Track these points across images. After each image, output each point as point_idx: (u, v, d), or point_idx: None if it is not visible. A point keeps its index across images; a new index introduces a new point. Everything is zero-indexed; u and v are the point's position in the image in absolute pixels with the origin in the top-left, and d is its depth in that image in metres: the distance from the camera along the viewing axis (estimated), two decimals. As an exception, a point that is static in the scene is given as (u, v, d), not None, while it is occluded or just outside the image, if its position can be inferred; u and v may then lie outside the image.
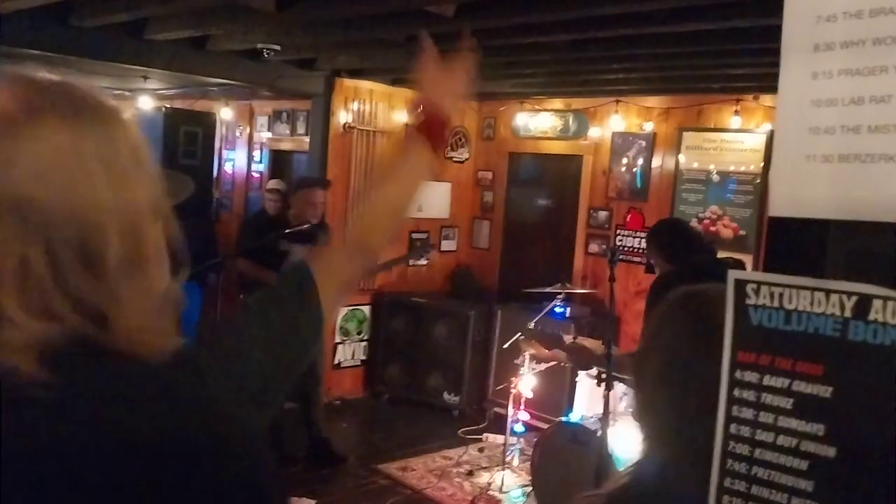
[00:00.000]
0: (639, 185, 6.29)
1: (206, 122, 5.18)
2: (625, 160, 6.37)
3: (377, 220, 1.21)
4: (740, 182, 5.74)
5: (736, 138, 5.76)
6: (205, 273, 6.57)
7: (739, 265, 4.65)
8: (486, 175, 7.26)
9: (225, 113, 7.28)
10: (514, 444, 5.21)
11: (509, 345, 5.32)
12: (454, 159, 7.20)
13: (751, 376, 0.79)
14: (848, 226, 0.74)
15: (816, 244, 0.81)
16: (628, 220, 6.33)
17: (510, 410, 5.10)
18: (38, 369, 0.65)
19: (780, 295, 0.76)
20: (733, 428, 0.80)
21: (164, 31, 4.76)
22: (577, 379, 5.08)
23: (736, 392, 0.79)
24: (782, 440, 0.76)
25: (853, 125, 0.74)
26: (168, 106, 5.74)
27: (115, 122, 0.76)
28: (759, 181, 5.63)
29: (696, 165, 5.97)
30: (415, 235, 6.91)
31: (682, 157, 6.04)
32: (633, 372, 1.15)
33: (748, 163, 5.70)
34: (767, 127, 5.59)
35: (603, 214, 6.48)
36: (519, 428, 5.25)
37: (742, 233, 5.70)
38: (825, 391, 0.74)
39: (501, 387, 5.66)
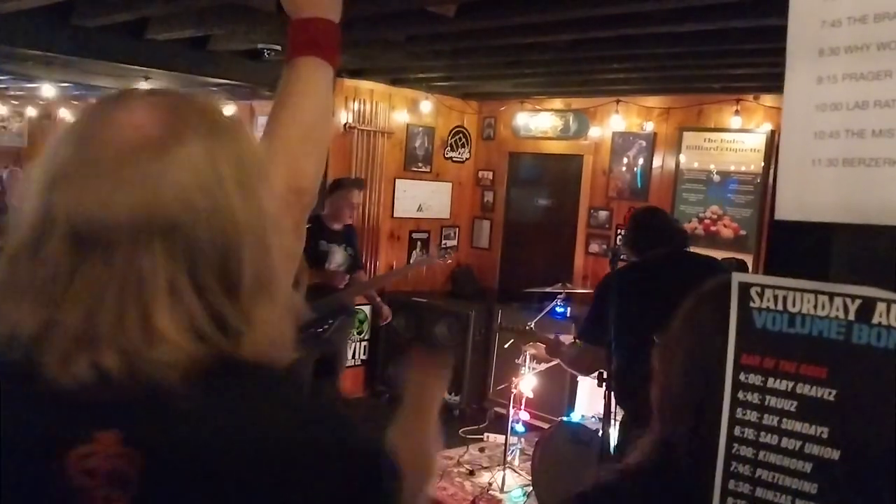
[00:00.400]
0: (639, 185, 6.29)
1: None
2: (625, 160, 6.38)
3: (296, 149, 1.04)
4: (741, 182, 5.75)
5: (736, 138, 5.76)
6: None
7: (742, 266, 4.65)
8: (486, 175, 7.26)
9: (227, 112, 7.28)
10: (514, 444, 5.21)
11: (508, 344, 5.33)
12: (454, 159, 7.20)
13: (755, 379, 0.79)
14: (852, 229, 0.74)
15: (819, 246, 0.82)
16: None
17: (511, 410, 5.10)
18: (185, 384, 0.68)
19: (784, 298, 0.77)
20: (737, 430, 0.80)
21: (165, 31, 4.76)
22: (577, 379, 5.08)
23: (740, 394, 0.80)
24: (786, 442, 0.77)
25: (857, 129, 0.74)
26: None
27: (241, 137, 0.76)
28: (759, 181, 5.63)
29: (696, 165, 5.98)
30: (415, 235, 6.92)
31: (682, 157, 6.04)
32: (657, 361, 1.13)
33: (748, 163, 5.70)
34: (768, 127, 5.60)
35: (603, 214, 6.49)
36: (519, 428, 5.26)
37: (743, 233, 5.70)
38: (829, 394, 0.75)
39: (502, 387, 5.67)
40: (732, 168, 5.78)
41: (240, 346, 0.72)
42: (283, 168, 1.00)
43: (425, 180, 6.96)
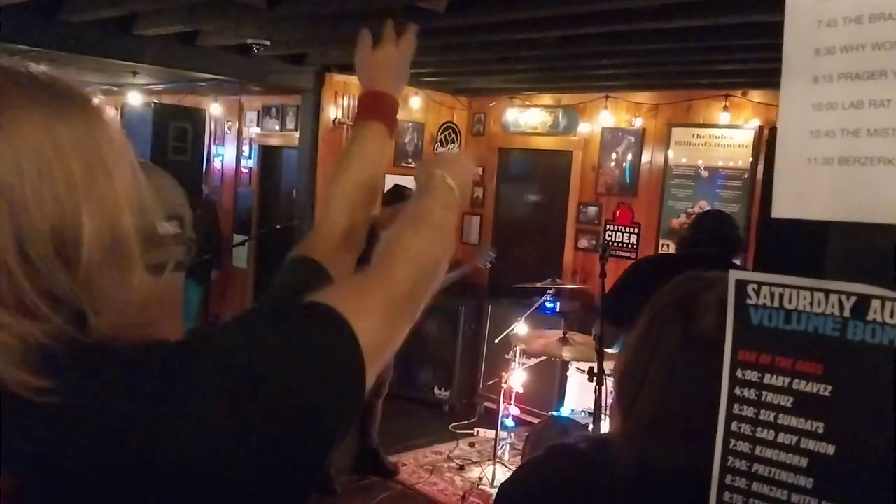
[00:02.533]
0: (628, 180, 6.31)
1: (195, 118, 5.16)
2: (614, 156, 6.40)
3: (351, 200, 1.22)
4: (729, 177, 5.78)
5: (725, 134, 5.79)
6: (206, 270, 6.49)
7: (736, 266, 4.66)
8: (476, 170, 7.26)
9: (214, 108, 7.26)
10: (504, 439, 5.23)
11: (498, 340, 5.33)
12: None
13: (751, 375, 0.80)
14: (847, 227, 0.75)
15: (811, 242, 0.83)
16: (618, 215, 6.35)
17: (501, 405, 5.12)
18: (33, 373, 0.62)
19: (781, 295, 0.78)
20: (734, 426, 0.81)
21: (153, 27, 4.74)
22: (567, 373, 5.10)
23: (737, 390, 0.81)
24: (782, 437, 0.78)
25: (853, 129, 0.75)
26: (157, 102, 5.71)
27: (91, 111, 0.73)
28: (747, 177, 5.67)
29: (684, 161, 6.00)
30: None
31: (671, 153, 6.07)
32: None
33: (737, 158, 5.74)
34: (756, 123, 5.63)
35: (592, 210, 6.51)
36: (509, 422, 5.28)
37: (731, 228, 5.73)
38: (825, 390, 0.76)
39: (492, 382, 5.68)
40: (721, 163, 5.81)
41: (85, 328, 0.66)
42: (344, 210, 1.21)
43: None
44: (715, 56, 4.66)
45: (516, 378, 5.16)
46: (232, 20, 4.53)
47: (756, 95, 5.62)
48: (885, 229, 0.72)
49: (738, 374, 0.81)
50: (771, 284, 0.78)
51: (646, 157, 6.22)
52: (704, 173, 5.90)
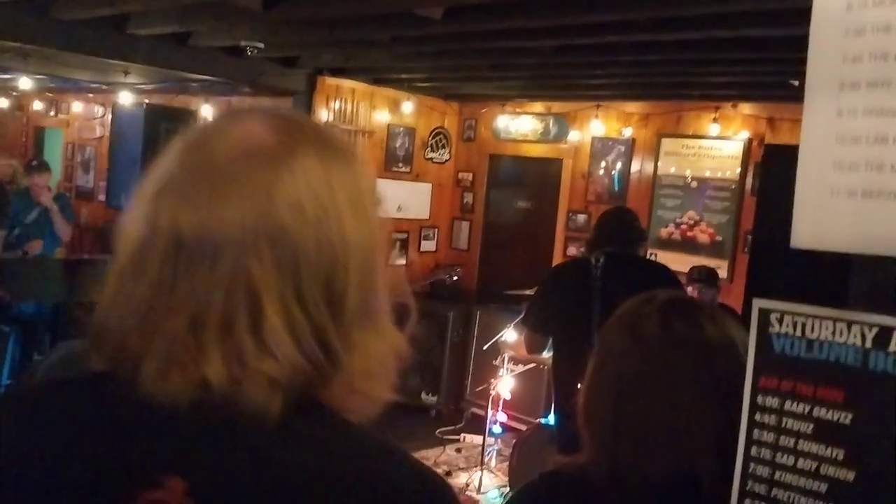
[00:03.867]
0: (617, 189, 6.35)
1: (186, 120, 5.14)
2: (603, 164, 6.43)
3: None
4: (718, 188, 5.83)
5: (714, 145, 5.84)
6: None
7: (713, 274, 4.69)
8: (466, 176, 7.28)
9: (205, 109, 7.23)
10: (491, 445, 5.24)
11: (486, 346, 5.35)
12: (434, 160, 7.21)
13: (772, 401, 0.82)
14: (870, 259, 0.77)
15: (802, 254, 0.84)
16: (606, 223, 6.38)
17: (489, 411, 5.13)
18: (274, 403, 0.65)
19: (803, 324, 0.79)
20: (754, 450, 0.82)
21: (146, 27, 4.71)
22: (555, 381, 5.12)
23: (757, 416, 0.82)
24: (802, 463, 0.79)
25: (878, 163, 0.77)
26: (148, 102, 5.68)
27: (356, 160, 0.75)
28: (736, 188, 5.72)
29: (674, 171, 6.05)
30: (394, 236, 6.91)
31: (660, 163, 6.11)
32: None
33: (726, 170, 5.79)
34: (745, 135, 5.69)
35: (582, 218, 6.54)
36: (497, 429, 5.29)
37: (719, 238, 5.79)
38: (845, 417, 0.77)
39: (481, 388, 5.69)
40: (709, 174, 5.86)
41: (337, 371, 0.68)
42: None
43: (405, 180, 6.96)
44: (706, 68, 4.71)
45: (504, 384, 5.17)
46: (226, 22, 4.51)
47: (746, 108, 5.68)
48: (908, 262, 0.74)
49: (759, 399, 0.82)
50: (794, 314, 0.80)
51: (635, 166, 6.26)
52: (693, 184, 5.95)
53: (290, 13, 4.12)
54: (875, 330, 0.75)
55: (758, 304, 0.82)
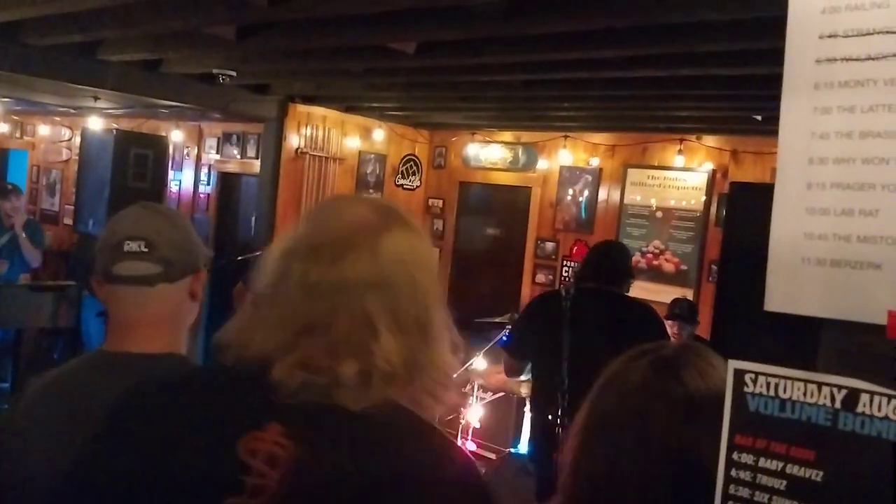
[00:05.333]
0: (585, 217, 6.45)
1: (157, 145, 5.10)
2: (571, 192, 6.53)
3: None
4: (682, 218, 5.95)
5: (679, 176, 5.97)
6: None
7: (693, 307, 4.76)
8: (436, 203, 7.33)
9: (175, 135, 7.19)
10: (461, 474, 5.23)
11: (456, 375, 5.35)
12: (405, 187, 7.25)
13: (747, 458, 0.85)
14: (838, 323, 0.81)
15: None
16: (574, 251, 6.47)
17: (458, 440, 5.13)
18: (377, 392, 0.90)
19: (776, 385, 0.84)
20: (730, 505, 0.86)
21: (117, 53, 4.70)
22: (525, 410, 5.15)
23: (733, 472, 0.86)
24: (776, 518, 0.83)
25: (844, 234, 0.82)
26: (118, 128, 5.64)
27: (425, 235, 1.04)
28: (700, 217, 5.84)
29: (639, 200, 6.16)
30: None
31: (626, 193, 6.22)
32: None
33: (690, 200, 5.91)
34: (709, 166, 5.83)
35: (550, 245, 6.62)
36: (466, 457, 5.28)
37: (684, 268, 5.90)
38: (817, 475, 0.81)
39: (450, 417, 5.69)
40: (675, 204, 5.98)
41: (422, 375, 0.94)
42: None
43: (375, 207, 6.97)
44: (671, 103, 4.82)
45: (473, 413, 5.18)
46: (199, 50, 4.52)
47: (710, 140, 5.82)
48: (874, 328, 0.79)
49: (735, 456, 0.86)
50: (767, 374, 0.84)
51: (602, 195, 6.36)
52: (659, 214, 6.06)
53: (263, 43, 4.15)
54: (844, 392, 0.80)
55: (733, 364, 0.86)
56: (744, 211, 3.07)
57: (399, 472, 0.88)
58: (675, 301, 4.73)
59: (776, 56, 2.49)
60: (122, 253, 1.37)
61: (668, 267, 5.97)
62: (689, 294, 5.74)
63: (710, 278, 5.66)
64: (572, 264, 6.44)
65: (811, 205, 0.84)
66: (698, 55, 3.57)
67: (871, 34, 0.81)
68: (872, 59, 0.81)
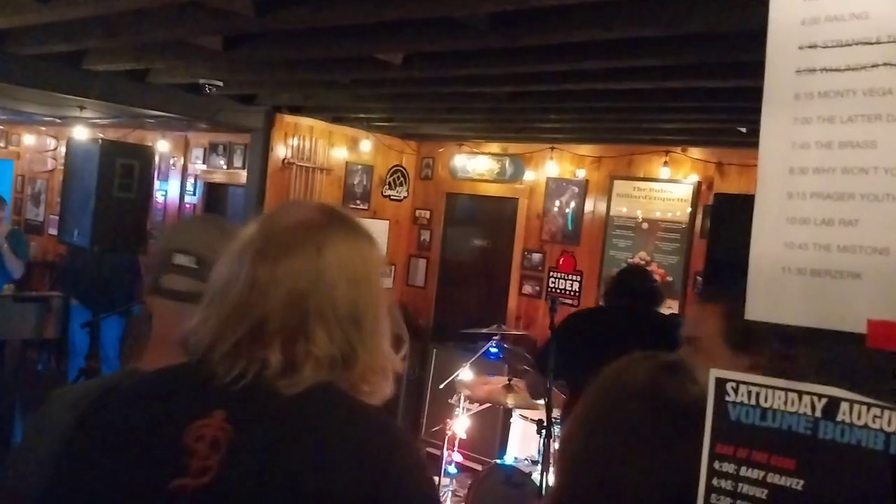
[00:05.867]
0: (571, 228, 6.47)
1: (143, 156, 5.06)
2: (557, 204, 6.55)
3: None
4: (668, 230, 5.98)
5: (665, 188, 6.00)
6: (130, 306, 6.43)
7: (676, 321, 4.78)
8: (423, 214, 7.33)
9: (161, 145, 7.17)
10: (447, 486, 5.21)
11: (443, 385, 5.34)
12: (392, 197, 7.25)
13: (728, 467, 0.85)
14: (819, 332, 0.82)
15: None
16: (561, 262, 6.49)
17: (444, 451, 5.11)
18: (308, 375, 0.98)
19: (757, 394, 0.84)
20: (712, 514, 0.86)
21: (103, 63, 4.68)
22: (511, 421, 5.14)
23: (714, 481, 0.86)
24: (758, 527, 0.83)
25: (824, 243, 0.82)
26: (104, 138, 5.61)
27: (372, 239, 1.11)
28: (685, 229, 5.87)
29: (625, 212, 6.19)
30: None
31: (612, 204, 6.25)
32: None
33: (676, 211, 5.94)
34: (695, 178, 5.86)
35: (537, 256, 6.63)
36: (452, 469, 5.27)
37: (669, 279, 5.92)
38: (797, 483, 0.81)
39: (436, 428, 5.67)
40: (660, 216, 6.01)
41: (352, 366, 1.02)
42: None
43: (362, 217, 6.96)
44: (657, 115, 4.86)
45: (460, 424, 5.17)
46: (185, 60, 4.51)
47: (695, 152, 5.86)
48: (854, 337, 0.79)
49: (716, 465, 0.86)
50: (749, 384, 0.84)
51: (588, 206, 6.39)
52: (644, 225, 6.09)
53: (250, 53, 4.14)
54: (824, 401, 0.80)
55: (714, 373, 0.86)
56: (728, 221, 3.10)
57: (329, 447, 0.95)
58: (673, 314, 4.78)
59: (760, 68, 2.52)
60: (171, 265, 1.32)
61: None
62: (674, 305, 5.76)
63: (696, 289, 5.68)
64: (559, 275, 6.46)
65: (792, 214, 0.84)
66: (682, 67, 3.60)
67: (851, 45, 0.82)
68: (852, 69, 0.82)
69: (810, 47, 0.84)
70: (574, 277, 6.39)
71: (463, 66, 3.95)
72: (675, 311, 5.73)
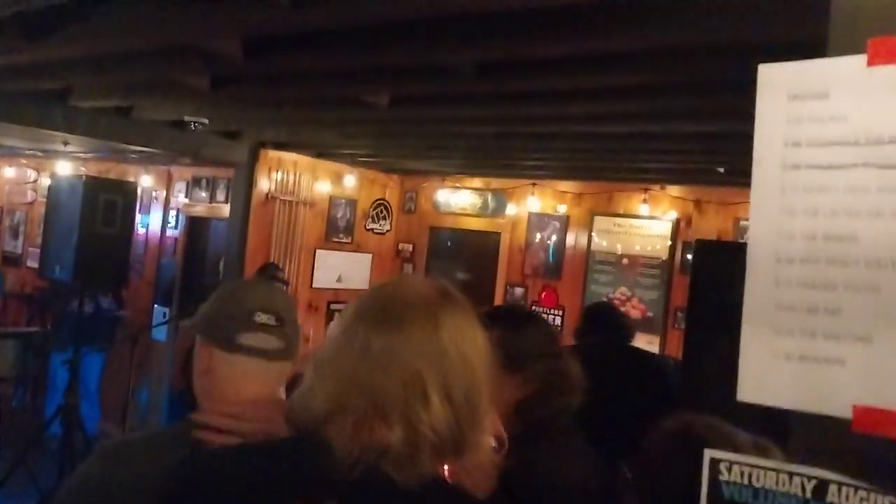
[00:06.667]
0: (553, 264, 6.53)
1: (126, 191, 5.08)
2: (540, 239, 6.62)
3: None
4: (648, 266, 6.06)
5: (644, 224, 6.10)
6: (107, 339, 6.40)
7: (664, 363, 4.81)
8: (406, 247, 7.37)
9: (144, 180, 7.16)
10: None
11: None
12: (375, 231, 7.28)
13: (723, 543, 0.89)
14: (808, 416, 0.86)
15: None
16: (543, 297, 6.54)
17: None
18: (426, 462, 0.95)
19: (750, 474, 0.88)
20: (707, 589, 0.89)
21: (89, 100, 4.70)
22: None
23: (709, 556, 0.90)
24: None
25: (810, 330, 0.87)
26: (87, 175, 5.61)
27: (480, 324, 1.08)
28: (665, 265, 5.96)
29: (606, 247, 6.27)
30: (333, 307, 6.91)
31: (593, 239, 6.33)
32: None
33: (655, 248, 6.03)
34: (673, 215, 5.96)
35: (519, 291, 6.68)
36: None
37: (650, 314, 5.99)
38: (789, 561, 0.85)
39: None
40: (640, 252, 6.10)
41: (464, 452, 0.99)
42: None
43: (346, 251, 7.00)
44: (636, 155, 4.95)
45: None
46: (172, 98, 4.54)
47: (674, 190, 5.96)
48: (841, 420, 0.83)
49: (711, 541, 0.90)
50: (741, 463, 0.88)
51: (570, 242, 6.46)
52: (625, 260, 6.17)
53: (237, 92, 4.18)
54: (814, 482, 0.84)
55: (709, 453, 0.90)
56: (709, 267, 3.17)
57: None
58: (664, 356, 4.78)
59: (738, 114, 2.61)
60: (252, 323, 1.33)
61: (635, 314, 6.05)
62: (655, 341, 5.83)
63: (677, 325, 5.75)
64: (541, 310, 6.50)
65: (779, 301, 0.89)
66: (661, 112, 3.69)
67: (831, 145, 0.87)
68: (833, 167, 0.87)
69: (794, 145, 0.89)
70: (556, 312, 6.44)
71: (448, 108, 4.02)
72: (656, 346, 5.80)
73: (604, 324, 3.60)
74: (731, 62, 2.61)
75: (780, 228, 0.89)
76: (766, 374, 0.89)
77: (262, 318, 1.33)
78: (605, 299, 6.13)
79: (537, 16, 2.56)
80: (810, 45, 0.93)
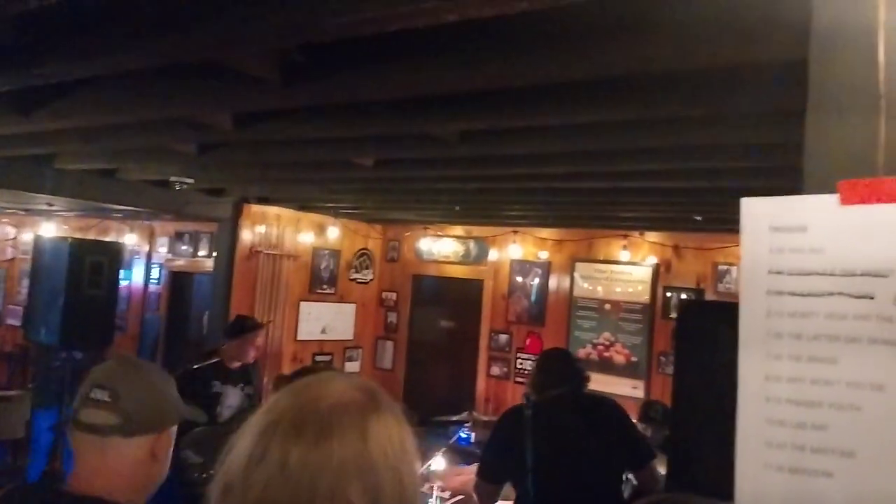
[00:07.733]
0: (536, 309, 6.61)
1: (112, 252, 5.09)
2: (522, 284, 6.71)
3: None
4: (630, 310, 6.16)
5: (625, 270, 6.21)
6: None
7: (666, 411, 4.79)
8: (390, 296, 7.42)
9: (129, 238, 7.18)
10: (422, 577, 5.16)
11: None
12: (358, 280, 7.33)
13: None
14: (799, 524, 0.93)
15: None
16: (528, 343, 6.61)
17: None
18: None
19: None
20: None
21: (76, 163, 4.74)
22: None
23: None
24: None
25: (799, 444, 0.94)
26: (71, 237, 5.63)
27: (405, 420, 0.99)
28: (647, 307, 6.05)
29: (588, 293, 6.37)
30: (318, 357, 6.92)
31: (575, 285, 6.43)
32: None
33: (637, 292, 6.14)
34: (653, 260, 6.08)
35: (503, 337, 6.74)
36: (427, 560, 5.22)
37: (634, 359, 6.07)
38: None
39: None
40: (622, 297, 6.20)
41: None
42: None
43: (330, 302, 7.04)
44: (615, 206, 5.08)
45: (434, 513, 5.15)
46: (155, 161, 4.60)
47: (652, 236, 6.10)
48: (830, 530, 0.91)
49: None
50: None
51: (552, 287, 6.55)
52: (607, 306, 6.27)
53: (223, 155, 4.25)
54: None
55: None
56: (694, 329, 3.23)
57: None
58: (649, 403, 4.76)
59: (712, 172, 2.73)
60: (87, 399, 1.37)
61: (619, 359, 6.13)
62: (640, 385, 5.91)
63: (660, 369, 5.84)
64: (526, 357, 6.56)
65: (770, 416, 0.97)
66: (640, 173, 3.81)
67: (810, 275, 0.96)
68: (813, 295, 0.95)
69: (777, 273, 0.98)
70: (540, 358, 6.49)
71: (433, 169, 4.12)
72: (641, 391, 5.87)
73: (559, 375, 3.52)
74: (706, 127, 2.72)
75: (767, 349, 0.98)
76: (761, 485, 0.96)
77: (95, 393, 1.36)
78: (590, 344, 6.23)
79: (522, 92, 2.66)
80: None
